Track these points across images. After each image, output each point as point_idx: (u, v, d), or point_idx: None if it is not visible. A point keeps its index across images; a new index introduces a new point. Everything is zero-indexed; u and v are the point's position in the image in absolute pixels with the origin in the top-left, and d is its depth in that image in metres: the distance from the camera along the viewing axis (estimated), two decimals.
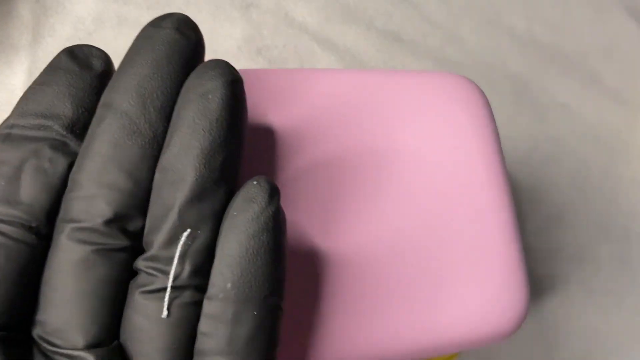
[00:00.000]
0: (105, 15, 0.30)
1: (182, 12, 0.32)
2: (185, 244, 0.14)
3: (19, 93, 0.28)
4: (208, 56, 0.28)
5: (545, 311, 0.37)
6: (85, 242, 0.14)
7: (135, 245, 0.14)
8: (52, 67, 0.15)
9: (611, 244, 0.40)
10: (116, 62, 0.30)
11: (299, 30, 0.35)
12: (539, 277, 0.37)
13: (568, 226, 0.39)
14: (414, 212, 0.20)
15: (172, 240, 0.14)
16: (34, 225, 0.14)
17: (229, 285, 0.14)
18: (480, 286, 0.19)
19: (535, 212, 0.38)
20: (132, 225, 0.14)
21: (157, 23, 0.16)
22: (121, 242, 0.14)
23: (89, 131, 0.15)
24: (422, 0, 0.39)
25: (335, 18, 0.36)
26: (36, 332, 0.14)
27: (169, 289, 0.14)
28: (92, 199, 0.14)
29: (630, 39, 0.46)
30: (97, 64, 0.16)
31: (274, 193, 0.15)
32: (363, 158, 0.20)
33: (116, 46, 0.31)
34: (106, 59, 0.16)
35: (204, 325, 0.14)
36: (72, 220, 0.14)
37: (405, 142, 0.20)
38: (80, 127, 0.15)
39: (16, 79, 0.28)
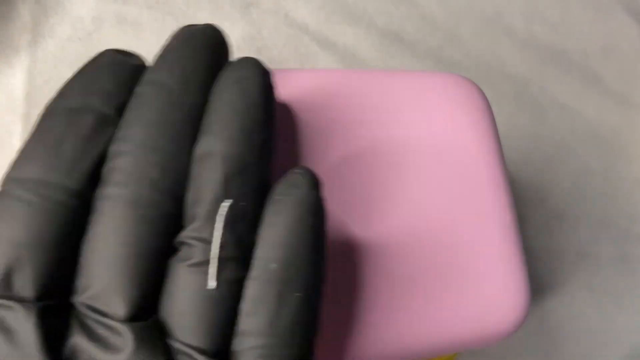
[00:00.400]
0: (105, 15, 0.30)
1: (182, 12, 0.32)
2: (227, 214, 0.14)
3: (19, 93, 0.28)
4: None
5: (545, 311, 0.37)
6: (130, 206, 0.14)
7: (178, 216, 0.14)
8: (95, 58, 0.16)
9: (612, 243, 0.40)
10: None
11: (299, 30, 0.35)
12: (539, 277, 0.37)
13: (568, 226, 0.39)
14: (414, 212, 0.20)
15: (216, 211, 0.14)
16: (74, 188, 0.14)
17: (273, 265, 0.14)
18: (481, 286, 0.19)
19: (536, 212, 0.38)
20: (177, 191, 0.14)
21: (190, 25, 0.17)
22: (166, 208, 0.14)
23: (130, 104, 0.15)
24: (422, 0, 0.39)
25: (335, 18, 0.36)
26: (77, 298, 0.14)
27: (213, 259, 0.14)
28: (136, 162, 0.14)
29: (630, 39, 0.46)
30: (136, 59, 0.17)
31: (316, 181, 0.15)
32: (363, 156, 0.20)
33: (116, 46, 0.31)
34: (143, 59, 0.17)
35: (246, 305, 0.14)
36: (116, 184, 0.14)
37: (406, 141, 0.20)
38: (121, 103, 0.15)
39: (16, 79, 0.28)
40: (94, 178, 0.14)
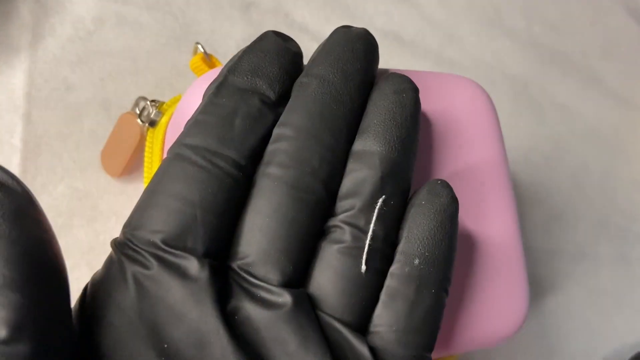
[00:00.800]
0: (105, 15, 0.30)
1: (182, 12, 0.32)
2: (380, 208, 0.15)
3: (19, 93, 0.28)
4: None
5: (545, 311, 0.37)
6: (290, 188, 0.15)
7: (327, 203, 0.16)
8: (261, 39, 0.17)
9: (611, 243, 0.40)
10: (113, 61, 0.30)
11: (299, 31, 0.35)
12: (538, 277, 0.37)
13: (568, 226, 0.39)
14: None
15: (371, 204, 0.15)
16: (241, 162, 0.15)
17: (416, 261, 0.15)
18: (481, 289, 0.19)
19: (535, 211, 0.38)
20: (329, 181, 0.16)
21: (346, 26, 0.18)
22: (320, 194, 0.15)
23: (294, 93, 0.16)
24: (422, 0, 0.39)
25: (335, 18, 0.36)
26: (236, 263, 0.15)
27: (367, 246, 0.15)
28: (299, 148, 0.15)
29: (630, 39, 0.46)
30: (294, 45, 0.17)
31: (454, 193, 0.17)
32: None
33: (116, 46, 0.31)
34: (297, 44, 0.18)
35: (388, 293, 0.15)
36: (279, 165, 0.15)
37: None
38: (283, 89, 0.16)
39: (16, 79, 0.28)
40: (259, 152, 0.16)
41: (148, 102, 0.25)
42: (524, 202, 0.38)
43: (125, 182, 0.28)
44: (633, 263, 0.40)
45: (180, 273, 0.14)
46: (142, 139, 0.26)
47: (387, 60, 0.37)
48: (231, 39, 0.33)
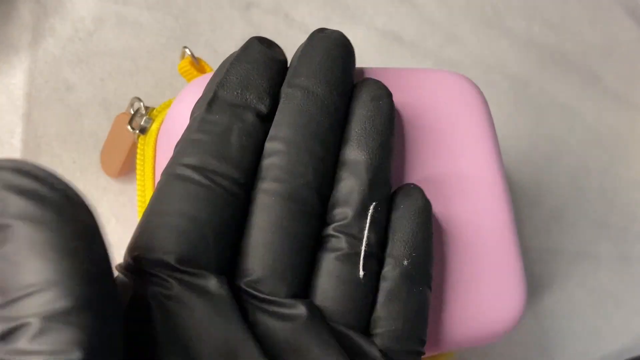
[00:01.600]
0: (105, 15, 0.30)
1: (182, 12, 0.32)
2: (372, 215, 0.16)
3: (19, 93, 0.28)
4: (207, 56, 0.28)
5: (545, 311, 0.37)
6: (288, 202, 0.15)
7: (321, 213, 0.16)
8: (246, 48, 0.17)
9: (610, 243, 0.40)
10: (113, 61, 0.30)
11: (298, 31, 0.35)
12: (538, 277, 0.37)
13: (567, 226, 0.39)
14: None
15: (362, 211, 0.16)
16: (242, 181, 0.15)
17: (405, 262, 0.16)
18: (477, 285, 0.19)
19: (535, 211, 0.38)
20: (321, 190, 0.16)
21: (322, 30, 0.18)
22: (315, 205, 0.16)
23: (281, 105, 0.16)
24: (422, 0, 0.39)
25: (335, 18, 0.36)
26: (243, 280, 0.15)
27: (363, 252, 0.16)
28: (291, 161, 0.16)
29: (630, 39, 0.46)
30: (279, 53, 0.18)
31: (425, 195, 0.18)
32: None
33: (116, 46, 0.31)
34: (282, 51, 0.18)
35: (383, 296, 0.16)
36: (274, 180, 0.15)
37: (402, 139, 0.20)
38: (272, 101, 0.17)
39: (16, 79, 0.28)
40: (255, 167, 0.16)
41: (142, 104, 0.25)
42: (524, 202, 0.38)
43: (125, 183, 0.28)
44: (633, 263, 0.40)
45: (201, 290, 0.14)
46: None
47: (387, 60, 0.37)
48: (231, 39, 0.33)
